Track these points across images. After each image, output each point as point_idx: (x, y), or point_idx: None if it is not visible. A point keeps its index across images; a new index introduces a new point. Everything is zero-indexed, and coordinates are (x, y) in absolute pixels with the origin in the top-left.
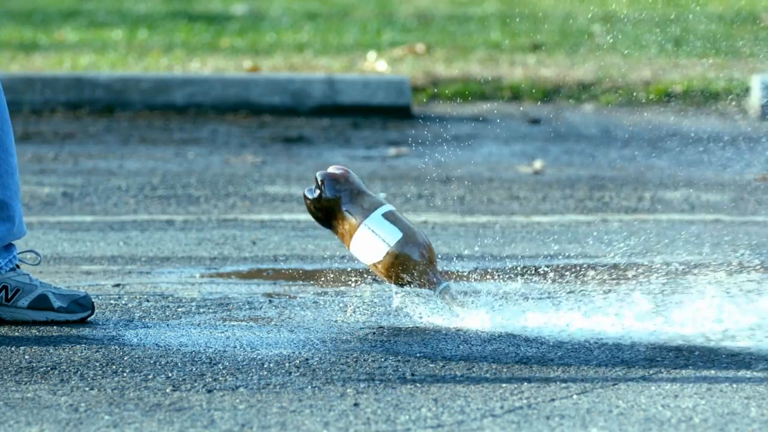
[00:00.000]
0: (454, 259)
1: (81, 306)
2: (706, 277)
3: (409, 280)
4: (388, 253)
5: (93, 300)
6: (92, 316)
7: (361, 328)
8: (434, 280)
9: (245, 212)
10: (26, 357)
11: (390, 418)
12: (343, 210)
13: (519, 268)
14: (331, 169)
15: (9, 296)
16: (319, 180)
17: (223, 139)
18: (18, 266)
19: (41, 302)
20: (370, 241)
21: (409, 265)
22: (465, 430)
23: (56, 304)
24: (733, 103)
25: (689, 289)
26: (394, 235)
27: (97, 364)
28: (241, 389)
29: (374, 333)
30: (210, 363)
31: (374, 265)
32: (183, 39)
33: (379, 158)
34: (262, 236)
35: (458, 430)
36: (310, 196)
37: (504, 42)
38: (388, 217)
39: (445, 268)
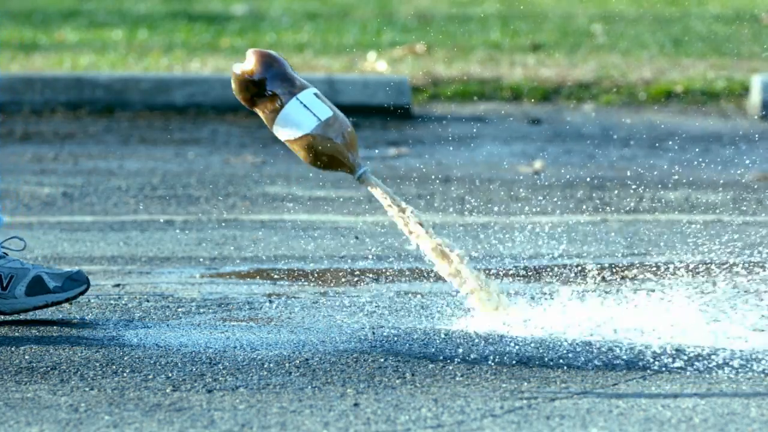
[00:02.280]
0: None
1: (75, 281)
2: (706, 277)
3: (330, 160)
4: (314, 129)
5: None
6: (88, 291)
7: (361, 328)
8: (354, 163)
9: (245, 212)
10: (26, 357)
11: (390, 418)
12: (273, 87)
13: (519, 268)
14: (263, 49)
15: (4, 284)
16: (251, 56)
17: (223, 139)
18: (6, 254)
19: (37, 286)
20: (300, 114)
21: (333, 146)
22: (465, 430)
23: (51, 284)
24: (733, 103)
25: (690, 289)
26: (324, 112)
27: (97, 364)
28: (241, 389)
29: (374, 333)
30: (210, 363)
31: (298, 139)
32: (183, 39)
33: (379, 158)
34: (262, 236)
35: (458, 430)
36: (238, 71)
37: (504, 42)
38: (318, 96)
39: None
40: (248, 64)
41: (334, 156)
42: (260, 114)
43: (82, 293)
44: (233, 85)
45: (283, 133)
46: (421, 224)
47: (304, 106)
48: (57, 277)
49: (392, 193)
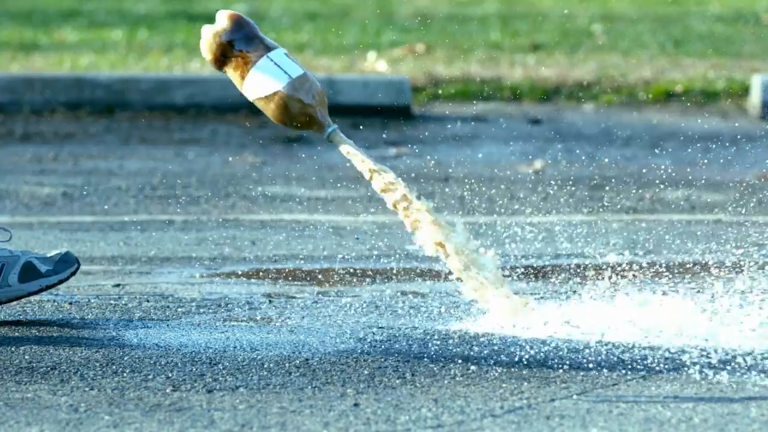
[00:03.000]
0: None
1: (66, 263)
2: (706, 278)
3: (300, 118)
4: (285, 86)
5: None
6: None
7: (361, 328)
8: (324, 122)
9: (245, 212)
10: (26, 357)
11: (390, 418)
12: (243, 47)
13: (518, 268)
14: (233, 11)
15: None
16: (222, 17)
17: (223, 139)
18: None
19: (29, 271)
20: (271, 72)
21: (303, 104)
22: (465, 430)
23: (43, 268)
24: (733, 103)
25: (691, 288)
26: (295, 71)
27: (97, 364)
28: (241, 389)
29: (374, 333)
30: (210, 363)
31: (269, 97)
32: (183, 39)
33: (379, 158)
34: (262, 236)
35: (458, 430)
36: (209, 33)
37: (504, 42)
38: (289, 56)
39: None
40: (219, 24)
41: (305, 114)
42: (230, 74)
43: (73, 273)
44: (203, 46)
45: (253, 91)
46: (404, 192)
47: (275, 64)
48: (47, 261)
49: (363, 152)
